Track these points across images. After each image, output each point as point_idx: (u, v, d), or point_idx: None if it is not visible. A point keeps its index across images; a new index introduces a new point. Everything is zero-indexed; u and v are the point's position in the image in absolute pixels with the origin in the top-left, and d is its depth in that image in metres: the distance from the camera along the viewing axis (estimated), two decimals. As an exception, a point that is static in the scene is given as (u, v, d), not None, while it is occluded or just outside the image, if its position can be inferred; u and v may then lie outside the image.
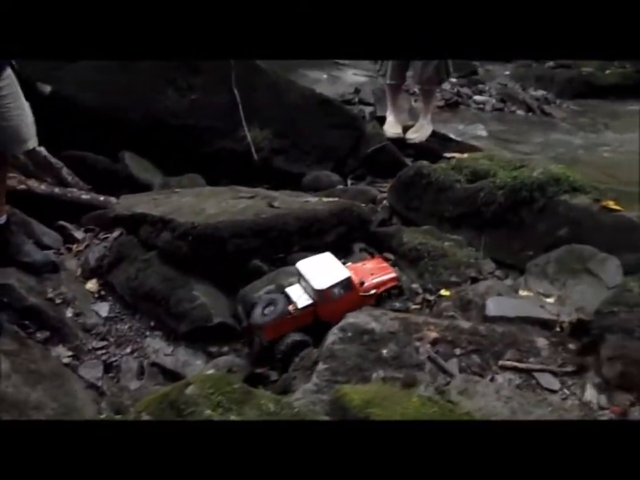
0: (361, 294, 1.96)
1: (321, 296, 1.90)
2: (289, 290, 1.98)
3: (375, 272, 2.07)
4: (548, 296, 2.13)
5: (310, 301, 1.92)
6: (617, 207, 2.23)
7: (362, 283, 1.98)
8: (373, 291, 1.98)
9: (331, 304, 1.91)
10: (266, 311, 1.93)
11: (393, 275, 2.08)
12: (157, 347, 2.14)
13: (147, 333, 2.21)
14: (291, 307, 1.92)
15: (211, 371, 1.88)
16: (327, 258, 2.00)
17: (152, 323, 2.24)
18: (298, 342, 1.88)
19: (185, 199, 2.73)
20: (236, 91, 3.34)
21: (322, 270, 1.93)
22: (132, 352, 2.15)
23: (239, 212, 2.40)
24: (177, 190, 2.93)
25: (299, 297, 1.92)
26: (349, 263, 2.14)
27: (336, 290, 1.91)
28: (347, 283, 1.92)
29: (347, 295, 1.92)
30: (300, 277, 1.97)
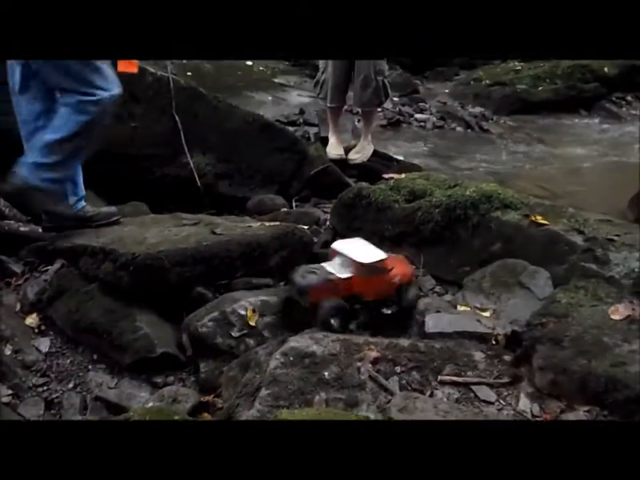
0: (389, 279, 2.14)
1: (361, 270, 2.09)
2: (325, 265, 2.17)
3: (399, 264, 2.23)
4: (484, 310, 2.21)
5: (349, 275, 2.10)
6: (544, 222, 2.34)
7: (391, 269, 2.15)
8: (397, 279, 2.15)
9: (368, 279, 2.11)
10: (307, 278, 2.10)
11: (411, 271, 2.25)
12: (100, 381, 2.11)
13: (90, 367, 2.18)
14: (332, 277, 2.10)
15: (151, 404, 1.87)
16: (361, 241, 2.22)
17: (95, 356, 2.22)
18: (337, 306, 2.05)
19: (127, 228, 2.71)
20: (177, 118, 3.35)
21: (361, 250, 2.16)
22: (74, 387, 2.11)
23: (181, 240, 2.41)
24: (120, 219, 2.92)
25: (339, 270, 2.11)
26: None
27: (375, 267, 2.10)
28: (382, 264, 2.12)
29: (380, 275, 2.12)
30: (337, 256, 2.16)
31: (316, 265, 2.19)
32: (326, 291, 2.08)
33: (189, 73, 6.09)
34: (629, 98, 6.74)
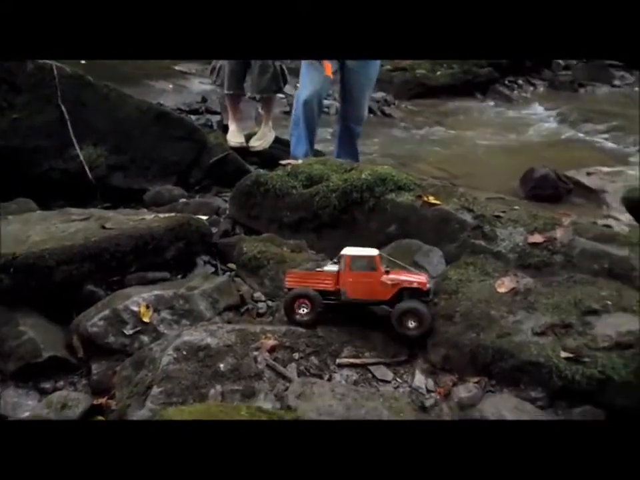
0: (382, 280, 1.93)
1: (343, 262, 1.94)
2: (329, 265, 2.07)
3: (408, 273, 2.01)
4: (382, 291, 2.23)
5: (335, 268, 1.98)
6: (436, 202, 2.40)
7: (387, 272, 1.96)
8: (391, 283, 1.92)
9: (352, 275, 1.93)
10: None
11: (422, 279, 1.97)
12: (-18, 392, 1.97)
13: (-30, 378, 2.02)
14: (320, 269, 2.02)
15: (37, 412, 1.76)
16: (370, 249, 2.00)
17: (-25, 367, 2.06)
18: (303, 294, 1.95)
19: (11, 226, 2.54)
20: (63, 107, 3.16)
21: (358, 250, 1.98)
22: (-47, 401, 1.95)
23: (68, 237, 2.28)
24: (6, 217, 2.72)
25: (331, 266, 2.02)
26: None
27: (358, 262, 1.93)
28: (371, 261, 1.93)
29: (368, 273, 1.93)
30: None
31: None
32: (306, 280, 1.99)
33: (83, 61, 5.78)
34: (520, 81, 7.09)
